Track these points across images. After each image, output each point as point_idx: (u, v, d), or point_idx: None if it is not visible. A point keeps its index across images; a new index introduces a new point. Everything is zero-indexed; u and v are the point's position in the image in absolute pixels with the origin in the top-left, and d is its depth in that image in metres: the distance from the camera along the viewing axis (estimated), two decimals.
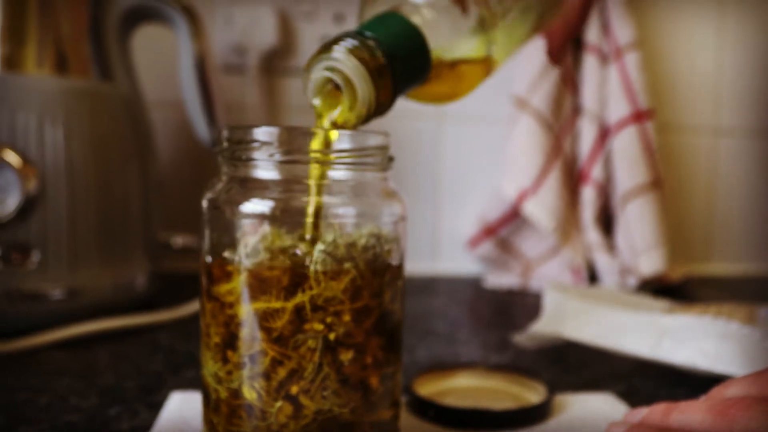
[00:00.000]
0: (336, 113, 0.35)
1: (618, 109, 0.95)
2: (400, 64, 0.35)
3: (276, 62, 0.96)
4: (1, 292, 0.60)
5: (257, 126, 0.34)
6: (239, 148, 0.35)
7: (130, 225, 0.69)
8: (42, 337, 0.59)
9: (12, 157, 0.60)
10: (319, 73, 0.35)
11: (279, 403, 0.33)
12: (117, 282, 0.67)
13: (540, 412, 0.45)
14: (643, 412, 0.40)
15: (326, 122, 0.35)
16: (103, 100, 0.67)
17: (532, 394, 0.49)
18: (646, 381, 0.55)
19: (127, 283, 0.69)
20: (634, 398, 0.49)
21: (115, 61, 0.70)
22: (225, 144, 0.35)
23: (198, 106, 0.74)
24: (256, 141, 0.34)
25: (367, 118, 0.35)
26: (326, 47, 0.35)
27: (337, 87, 0.35)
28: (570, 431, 0.43)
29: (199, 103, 0.74)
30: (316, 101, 0.36)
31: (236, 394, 0.34)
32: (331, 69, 0.34)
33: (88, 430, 0.42)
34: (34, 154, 0.61)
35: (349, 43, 0.34)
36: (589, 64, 0.96)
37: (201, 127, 0.75)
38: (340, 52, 0.34)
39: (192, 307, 0.71)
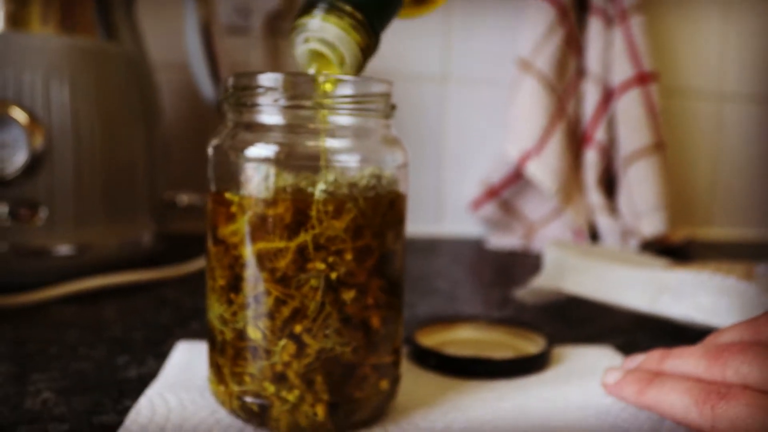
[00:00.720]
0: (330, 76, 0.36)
1: (622, 71, 0.95)
2: (375, 13, 0.36)
3: (280, 24, 0.96)
4: (9, 247, 0.61)
5: (262, 72, 0.35)
6: (244, 95, 0.35)
7: (136, 183, 0.70)
8: (50, 291, 0.60)
9: (19, 114, 0.61)
10: (302, 47, 0.35)
11: (283, 342, 0.34)
12: (123, 239, 0.68)
13: (539, 362, 0.46)
14: (639, 359, 0.41)
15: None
16: (108, 59, 0.67)
17: (532, 346, 0.50)
18: (645, 335, 0.56)
19: (132, 241, 0.70)
20: (632, 351, 0.50)
21: (121, 21, 0.70)
22: (230, 90, 0.36)
23: (203, 68, 0.74)
24: (260, 87, 0.34)
25: (358, 69, 0.36)
26: (301, 16, 0.35)
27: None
28: (568, 380, 0.44)
29: (205, 64, 0.74)
30: (311, 71, 0.36)
31: (241, 334, 0.35)
32: (313, 40, 0.35)
33: (98, 377, 0.43)
34: (41, 112, 0.62)
35: (322, 8, 0.35)
36: (594, 27, 0.96)
37: (206, 88, 0.75)
38: (317, 21, 0.34)
39: (198, 264, 0.72)
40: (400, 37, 1.01)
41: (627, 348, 0.52)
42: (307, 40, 0.35)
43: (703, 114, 1.11)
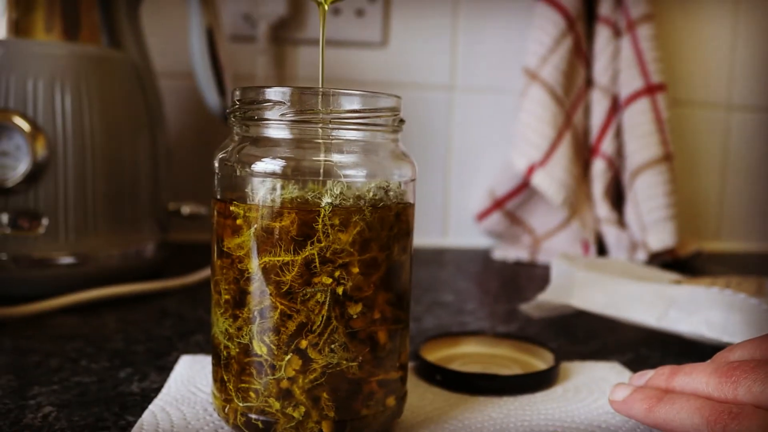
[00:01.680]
0: None
1: (629, 81, 0.95)
2: None
3: (285, 33, 0.96)
4: (10, 257, 0.62)
5: (269, 86, 0.35)
6: (251, 109, 0.35)
7: (139, 192, 0.70)
8: (51, 302, 0.60)
9: (21, 123, 0.61)
10: None
11: (288, 356, 0.34)
12: (126, 249, 0.68)
13: (546, 379, 0.46)
14: (648, 375, 0.41)
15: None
16: (112, 67, 0.68)
17: (539, 362, 0.50)
18: (653, 351, 0.55)
19: (135, 251, 0.70)
20: (640, 367, 0.50)
21: (125, 28, 0.71)
22: (237, 104, 0.36)
23: (207, 76, 0.75)
24: (268, 101, 0.35)
25: None
26: None
27: None
28: (575, 397, 0.44)
29: (209, 72, 0.74)
30: None
31: (247, 349, 0.35)
32: None
33: (99, 391, 0.43)
34: (43, 120, 0.62)
35: None
36: (602, 36, 0.96)
37: (211, 96, 0.75)
38: None
39: (200, 275, 0.72)
40: (407, 46, 1.01)
41: (635, 364, 0.51)
42: None
43: (711, 125, 1.11)
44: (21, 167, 0.61)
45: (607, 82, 0.97)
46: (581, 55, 0.97)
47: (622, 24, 0.96)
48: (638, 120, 0.94)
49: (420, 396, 0.44)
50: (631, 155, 0.95)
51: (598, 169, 0.97)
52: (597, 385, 0.46)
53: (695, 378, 0.36)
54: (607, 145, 0.96)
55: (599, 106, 0.97)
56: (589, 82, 0.99)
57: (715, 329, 0.51)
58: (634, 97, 0.95)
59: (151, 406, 0.40)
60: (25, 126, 0.61)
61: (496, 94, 1.03)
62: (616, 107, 0.97)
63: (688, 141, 1.10)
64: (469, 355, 0.51)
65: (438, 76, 1.03)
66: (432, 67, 1.02)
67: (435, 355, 0.50)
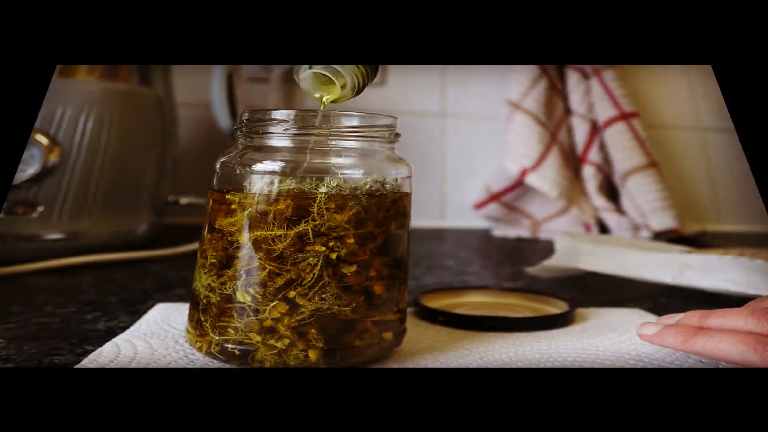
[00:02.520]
0: (331, 96, 0.35)
1: (604, 110, 0.94)
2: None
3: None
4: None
5: (275, 109, 0.32)
6: (257, 125, 0.32)
7: (140, 190, 0.68)
8: (29, 265, 0.54)
9: (41, 138, 0.59)
10: (308, 72, 0.34)
11: (274, 302, 0.29)
12: (118, 230, 0.64)
13: (563, 321, 0.39)
14: (677, 317, 0.35)
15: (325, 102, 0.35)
16: (138, 100, 0.67)
17: (553, 309, 0.41)
18: (673, 300, 0.47)
19: (127, 231, 0.66)
20: (662, 315, 0.43)
21: (156, 68, 0.70)
22: (244, 122, 0.33)
23: (223, 107, 0.76)
24: (273, 119, 0.32)
25: (357, 93, 0.35)
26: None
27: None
28: (596, 333, 0.37)
29: (225, 104, 0.76)
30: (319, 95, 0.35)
31: (229, 298, 0.30)
32: (318, 65, 0.34)
33: (60, 329, 0.36)
34: (63, 137, 0.61)
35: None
36: (573, 78, 0.96)
37: (224, 121, 0.76)
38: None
39: (188, 247, 0.66)
40: (402, 81, 1.01)
41: (656, 312, 0.43)
42: (311, 66, 0.33)
43: (689, 142, 1.08)
44: (30, 171, 0.58)
45: (585, 110, 0.95)
46: (557, 91, 0.96)
47: (588, 69, 0.96)
48: (619, 137, 0.92)
49: (421, 332, 0.36)
50: (618, 163, 0.92)
51: (589, 172, 0.93)
52: (619, 324, 0.38)
53: (732, 319, 0.32)
54: (593, 155, 0.93)
55: (580, 128, 0.95)
56: (567, 110, 0.97)
57: (738, 285, 0.44)
58: (610, 122, 0.93)
59: (115, 339, 0.33)
60: (43, 140, 0.59)
61: (484, 119, 1.03)
62: (596, 129, 0.95)
63: (670, 153, 1.05)
64: (475, 303, 0.43)
65: (431, 104, 1.02)
66: (425, 97, 1.03)
67: (437, 303, 0.42)
